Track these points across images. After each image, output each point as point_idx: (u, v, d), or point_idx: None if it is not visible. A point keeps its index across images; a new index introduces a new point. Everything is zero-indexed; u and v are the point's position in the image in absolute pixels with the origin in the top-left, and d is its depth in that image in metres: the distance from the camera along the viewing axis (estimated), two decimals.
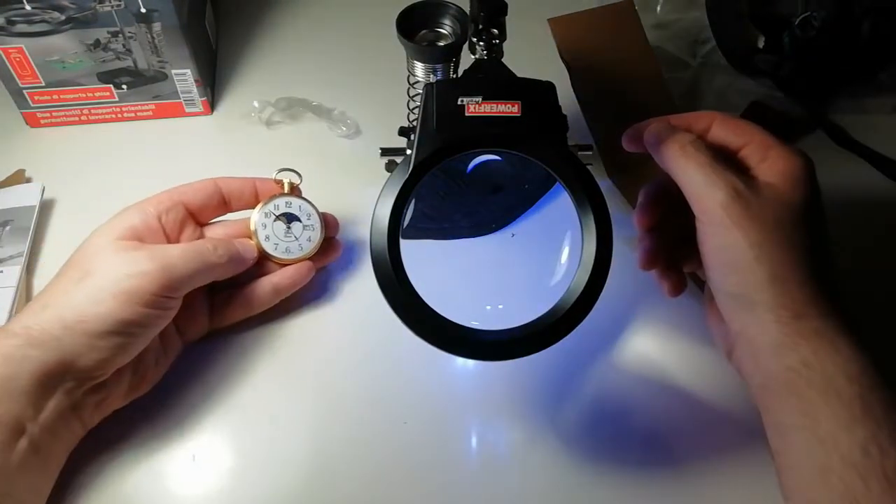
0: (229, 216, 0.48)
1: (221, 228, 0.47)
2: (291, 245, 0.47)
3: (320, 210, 0.49)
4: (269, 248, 0.47)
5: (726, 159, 0.37)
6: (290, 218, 0.47)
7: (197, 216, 0.46)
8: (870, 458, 0.31)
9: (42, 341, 0.37)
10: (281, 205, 0.47)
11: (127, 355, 0.39)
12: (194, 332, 0.46)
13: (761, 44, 0.61)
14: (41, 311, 0.38)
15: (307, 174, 0.49)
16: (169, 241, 0.44)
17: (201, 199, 0.46)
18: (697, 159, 0.37)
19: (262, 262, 0.47)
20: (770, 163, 0.37)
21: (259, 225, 0.47)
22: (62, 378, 0.37)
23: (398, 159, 0.41)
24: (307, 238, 0.48)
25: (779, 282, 0.34)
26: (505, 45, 0.42)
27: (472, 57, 0.42)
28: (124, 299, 0.38)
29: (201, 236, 0.46)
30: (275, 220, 0.47)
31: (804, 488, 0.33)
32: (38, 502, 0.38)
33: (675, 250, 0.43)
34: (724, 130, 0.39)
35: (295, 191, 0.49)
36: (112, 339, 0.38)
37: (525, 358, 0.37)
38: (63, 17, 0.54)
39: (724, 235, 0.35)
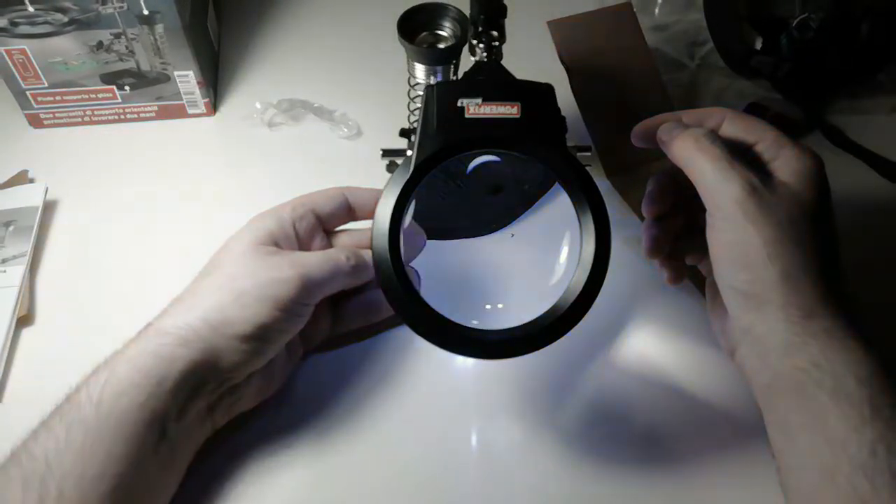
0: (351, 225, 0.48)
1: (348, 238, 0.47)
2: None
3: None
4: None
5: (740, 154, 0.37)
6: None
7: (324, 224, 0.46)
8: (877, 459, 0.31)
9: (190, 341, 0.37)
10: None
11: (263, 358, 0.40)
12: (316, 337, 0.46)
13: (759, 45, 0.61)
14: (187, 311, 0.39)
15: (308, 175, 0.49)
16: (301, 247, 0.44)
17: (331, 208, 0.45)
18: (712, 152, 0.36)
19: None
20: (783, 161, 0.37)
21: None
22: (205, 379, 0.38)
23: (399, 160, 0.41)
24: None
25: (791, 281, 0.34)
26: (504, 47, 0.43)
27: (472, 59, 0.43)
28: (267, 304, 0.39)
29: (329, 244, 0.46)
30: None
31: (809, 489, 0.33)
32: (165, 502, 0.39)
33: (679, 241, 0.43)
34: (736, 127, 0.39)
35: None
36: (253, 343, 0.38)
37: (524, 357, 0.38)
38: (66, 19, 0.55)
39: (737, 231, 0.35)
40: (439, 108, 0.38)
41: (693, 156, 0.37)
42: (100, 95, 0.60)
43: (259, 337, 0.39)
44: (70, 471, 0.34)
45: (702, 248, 0.38)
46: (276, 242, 0.42)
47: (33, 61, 0.57)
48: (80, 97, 0.60)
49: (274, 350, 0.41)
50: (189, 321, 0.38)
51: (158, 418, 0.36)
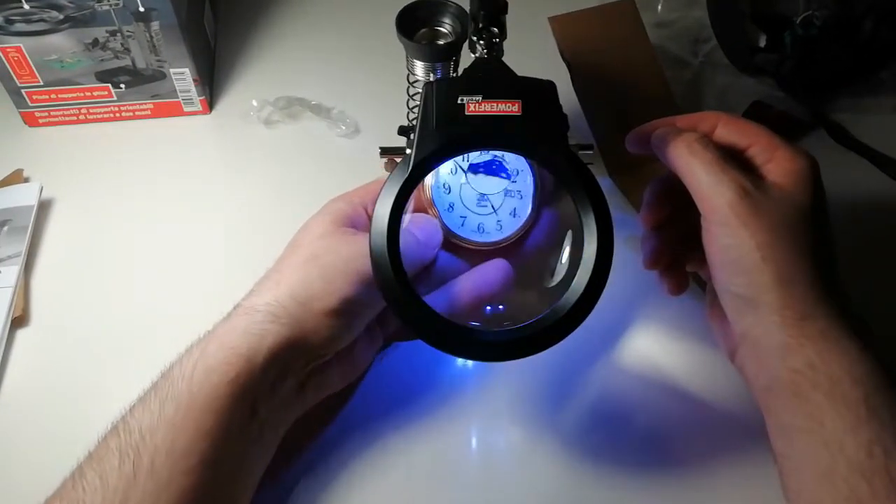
0: None
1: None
2: None
3: None
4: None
5: (733, 158, 0.37)
6: None
7: None
8: (874, 459, 0.31)
9: (278, 317, 0.37)
10: None
11: (350, 334, 0.40)
12: (394, 324, 0.46)
13: (762, 43, 0.61)
14: (275, 288, 0.39)
15: (306, 174, 0.49)
16: None
17: None
18: (704, 157, 0.36)
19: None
20: (776, 163, 0.37)
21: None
22: (295, 355, 0.38)
23: (398, 158, 0.41)
24: None
25: (785, 283, 0.34)
26: (505, 43, 0.42)
27: (472, 56, 0.42)
28: (352, 279, 0.39)
29: None
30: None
31: (808, 491, 0.33)
32: (253, 484, 0.39)
33: (678, 249, 0.43)
34: (730, 131, 0.39)
35: None
36: (339, 318, 0.38)
37: (525, 359, 0.37)
38: (61, 17, 0.54)
39: (731, 235, 0.35)
40: (439, 105, 0.38)
41: (686, 161, 0.37)
42: (95, 93, 0.60)
43: (345, 311, 0.39)
44: (161, 443, 0.34)
45: (701, 255, 0.38)
46: (352, 223, 0.43)
47: (28, 59, 0.57)
48: (75, 95, 0.60)
49: (360, 325, 0.41)
50: (277, 297, 0.38)
51: (249, 395, 0.36)
